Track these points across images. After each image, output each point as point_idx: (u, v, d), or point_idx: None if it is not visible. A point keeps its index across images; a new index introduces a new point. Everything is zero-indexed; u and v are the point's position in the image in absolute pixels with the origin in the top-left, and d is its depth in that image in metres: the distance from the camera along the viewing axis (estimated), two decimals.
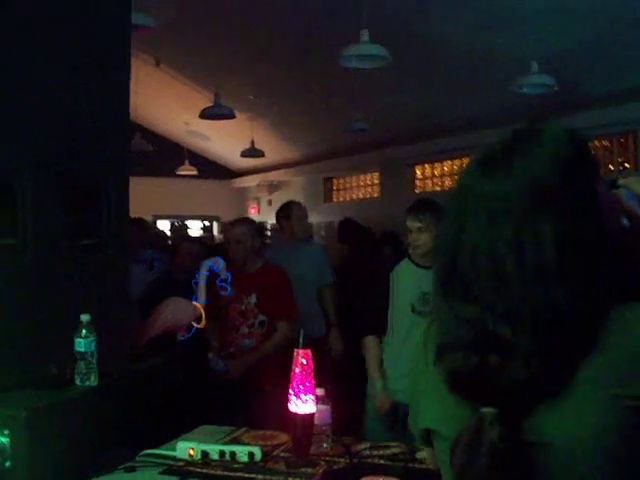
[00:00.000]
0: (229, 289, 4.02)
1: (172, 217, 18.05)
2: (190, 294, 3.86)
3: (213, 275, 4.02)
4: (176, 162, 15.87)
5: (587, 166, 1.36)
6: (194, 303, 3.78)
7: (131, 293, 6.17)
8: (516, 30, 8.43)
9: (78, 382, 3.02)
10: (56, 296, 2.99)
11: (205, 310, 3.80)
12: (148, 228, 8.08)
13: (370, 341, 4.58)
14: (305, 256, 6.52)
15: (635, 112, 9.27)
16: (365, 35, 6.77)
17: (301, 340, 2.82)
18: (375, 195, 15.16)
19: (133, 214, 12.40)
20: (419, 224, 4.37)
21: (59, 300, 2.99)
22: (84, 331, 2.98)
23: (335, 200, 16.71)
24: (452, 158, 13.15)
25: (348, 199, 16.31)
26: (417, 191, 14.10)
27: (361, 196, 15.82)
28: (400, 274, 4.50)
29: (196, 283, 3.89)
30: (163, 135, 17.31)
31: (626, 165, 10.33)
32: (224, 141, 16.09)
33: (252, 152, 13.54)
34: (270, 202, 17.94)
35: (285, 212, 6.86)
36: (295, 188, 17.22)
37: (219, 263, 4.02)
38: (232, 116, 10.34)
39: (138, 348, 3.60)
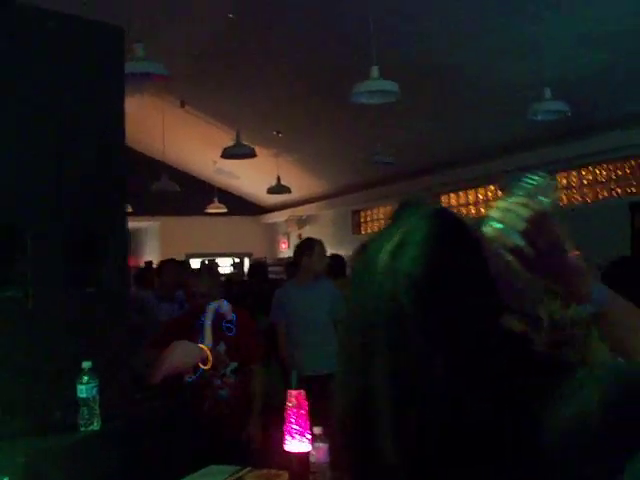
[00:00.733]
0: (234, 330, 4.09)
1: (204, 255, 18.18)
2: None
3: (219, 317, 4.10)
4: (206, 200, 16.07)
5: (458, 250, 1.27)
6: (200, 345, 3.84)
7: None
8: (530, 57, 8.50)
9: (82, 427, 3.10)
10: (57, 344, 3.07)
11: (211, 352, 3.86)
12: (181, 268, 8.10)
13: None
14: (321, 292, 6.58)
15: None
16: (375, 71, 6.87)
17: (294, 381, 2.86)
18: None
19: (166, 254, 12.54)
20: None
21: (61, 348, 3.08)
22: (85, 377, 3.06)
23: (364, 232, 16.78)
24: (476, 187, 13.18)
25: (377, 231, 16.34)
26: None
27: None
28: None
29: (202, 325, 3.96)
30: (192, 174, 17.58)
31: None
32: (251, 178, 16.28)
33: (278, 189, 13.68)
34: (300, 236, 18.04)
35: (307, 249, 6.91)
36: (324, 222, 17.34)
37: (224, 305, 4.09)
38: (253, 155, 10.48)
39: (146, 390, 3.67)
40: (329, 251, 15.85)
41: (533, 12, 7.67)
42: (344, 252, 15.93)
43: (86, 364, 3.06)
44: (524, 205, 1.42)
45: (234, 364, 4.87)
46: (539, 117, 8.31)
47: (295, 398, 2.84)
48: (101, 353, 3.18)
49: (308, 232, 17.84)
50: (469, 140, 11.33)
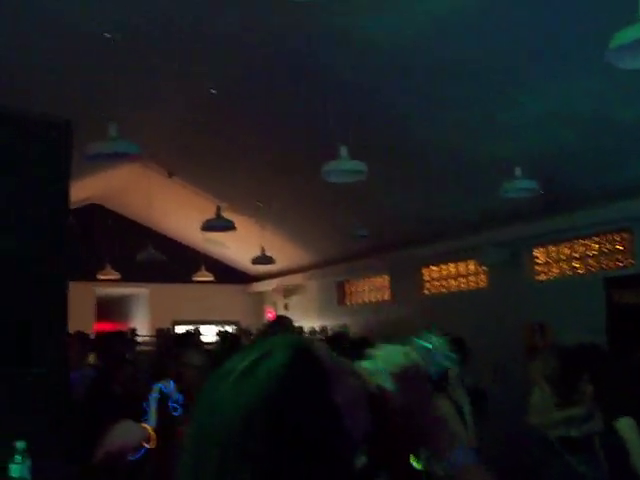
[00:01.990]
0: (179, 409, 4.16)
1: (191, 322, 18.19)
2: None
3: (164, 397, 4.17)
4: (193, 268, 16.15)
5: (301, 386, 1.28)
6: (143, 425, 3.91)
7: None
8: (500, 136, 8.71)
9: None
10: None
11: (155, 431, 3.93)
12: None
13: None
14: None
15: (625, 211, 9.42)
16: (344, 151, 7.05)
17: None
18: (386, 297, 15.31)
19: (154, 321, 12.69)
20: None
21: None
22: (19, 457, 3.14)
23: (348, 303, 16.87)
24: (456, 260, 13.32)
25: (360, 302, 16.46)
26: (426, 292, 14.23)
27: (373, 299, 15.97)
28: None
29: (147, 404, 4.04)
30: (179, 242, 17.75)
31: (620, 264, 10.45)
32: (238, 247, 16.42)
33: (263, 259, 13.80)
34: (286, 306, 18.14)
35: (276, 325, 7.00)
36: (310, 292, 17.44)
37: (169, 385, 4.17)
38: (233, 228, 10.65)
39: (85, 469, 3.73)
40: (315, 322, 16.00)
41: (502, 91, 7.88)
42: (329, 322, 16.07)
43: (20, 444, 3.13)
44: (405, 354, 1.46)
45: None
46: (510, 195, 8.50)
47: None
48: (36, 432, 3.25)
49: (294, 302, 17.95)
50: (443, 215, 11.53)
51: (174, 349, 6.94)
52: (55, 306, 3.33)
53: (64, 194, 3.49)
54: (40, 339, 3.29)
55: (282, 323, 7.03)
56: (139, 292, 18.97)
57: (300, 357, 1.31)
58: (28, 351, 3.26)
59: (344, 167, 7.04)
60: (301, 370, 1.29)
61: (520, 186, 8.24)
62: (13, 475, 3.13)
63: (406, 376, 1.44)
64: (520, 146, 8.60)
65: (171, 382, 4.21)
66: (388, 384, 1.42)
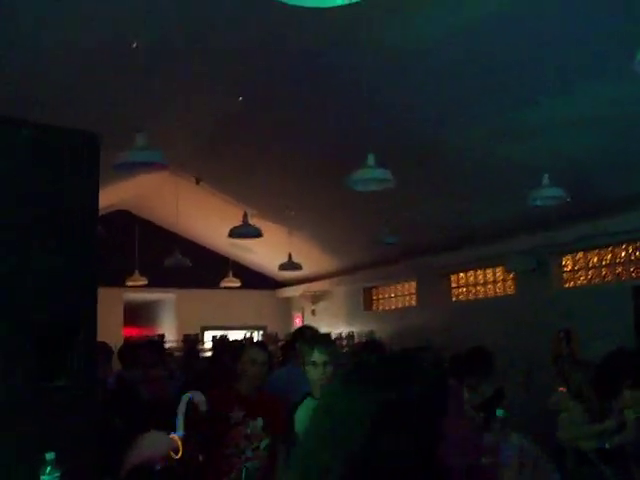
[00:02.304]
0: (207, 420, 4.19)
1: (220, 328, 18.28)
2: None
3: (192, 407, 4.19)
4: (220, 273, 16.24)
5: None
6: (171, 435, 3.94)
7: None
8: (528, 142, 8.68)
9: None
10: (22, 436, 3.21)
11: (182, 441, 3.95)
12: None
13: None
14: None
15: None
16: (371, 159, 7.03)
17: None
18: (413, 303, 15.29)
19: (182, 327, 12.96)
20: (326, 358, 4.50)
21: (26, 439, 3.21)
22: (48, 468, 3.18)
23: (375, 309, 16.87)
24: (484, 267, 13.29)
25: (387, 308, 16.46)
26: (453, 299, 14.20)
27: (400, 305, 15.96)
28: (304, 413, 4.61)
29: (175, 415, 4.06)
30: (207, 247, 17.84)
31: None
32: (265, 253, 16.49)
33: (290, 266, 13.82)
34: (314, 312, 18.18)
35: (297, 335, 7.00)
36: (337, 298, 17.47)
37: (197, 395, 4.20)
38: (260, 235, 10.69)
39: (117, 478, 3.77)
40: (342, 328, 16.01)
41: (530, 98, 7.85)
42: (356, 328, 16.09)
43: (49, 455, 3.17)
44: None
45: (267, 440, 5.04)
46: (538, 203, 8.44)
47: None
48: (65, 444, 3.29)
49: (322, 308, 17.99)
50: (470, 222, 11.51)
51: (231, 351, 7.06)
52: (85, 318, 3.37)
53: (94, 201, 3.53)
54: (69, 351, 3.33)
55: (304, 333, 7.01)
56: (166, 297, 19.09)
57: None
58: (56, 363, 3.30)
59: (370, 176, 7.03)
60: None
61: (547, 194, 8.17)
62: None
63: None
64: (548, 153, 8.55)
65: (198, 393, 4.23)
66: None
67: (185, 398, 4.22)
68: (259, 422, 5.15)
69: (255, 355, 5.23)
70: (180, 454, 4.00)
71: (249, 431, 5.13)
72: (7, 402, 3.18)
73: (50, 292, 3.28)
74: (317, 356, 4.46)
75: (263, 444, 5.13)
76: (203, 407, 4.23)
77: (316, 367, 4.51)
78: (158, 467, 4.06)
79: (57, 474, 3.21)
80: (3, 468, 3.17)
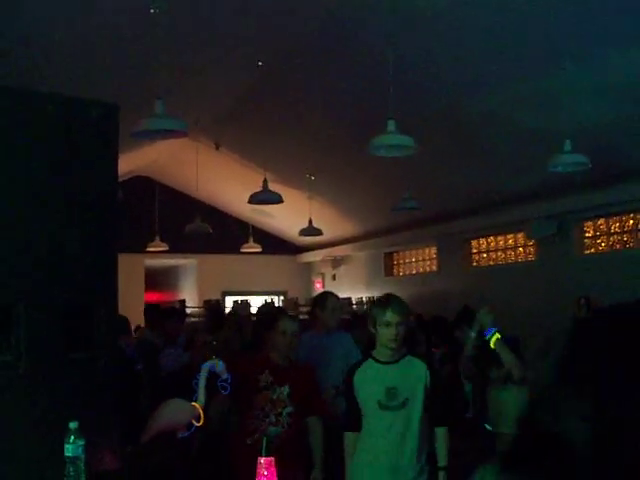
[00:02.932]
0: (229, 389, 4.22)
1: (240, 293, 18.33)
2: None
3: (213, 376, 4.24)
4: (241, 239, 16.27)
5: None
6: (193, 403, 3.98)
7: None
8: (550, 107, 8.59)
9: None
10: (47, 406, 3.27)
11: (203, 409, 4.00)
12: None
13: (348, 437, 4.77)
14: (337, 345, 6.67)
15: None
16: (392, 125, 6.99)
17: (264, 447, 2.98)
18: (434, 269, 15.28)
19: (203, 292, 13.13)
20: (400, 318, 4.52)
21: (50, 409, 3.27)
22: (72, 437, 3.22)
23: (396, 274, 16.87)
24: (505, 233, 13.24)
25: (408, 273, 16.46)
26: (474, 264, 14.18)
27: (420, 270, 15.95)
28: (363, 376, 4.67)
29: (196, 383, 4.11)
30: (227, 213, 17.86)
31: None
32: (286, 218, 16.49)
33: (310, 231, 13.80)
34: (334, 277, 18.22)
35: (321, 303, 6.99)
36: (357, 263, 17.48)
37: (219, 365, 4.23)
38: (280, 201, 10.67)
39: (139, 446, 3.83)
40: (363, 293, 16.02)
41: (553, 63, 7.75)
42: (377, 293, 16.07)
43: (72, 424, 3.22)
44: None
45: (290, 408, 5.12)
46: (559, 169, 8.36)
47: (265, 467, 2.96)
48: (89, 413, 3.34)
49: (342, 272, 18.01)
50: (491, 188, 11.44)
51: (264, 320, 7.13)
52: (105, 292, 3.40)
53: (113, 174, 3.54)
54: (90, 322, 3.37)
55: (322, 300, 6.99)
56: (187, 263, 19.19)
57: None
58: (78, 336, 3.34)
59: (391, 142, 7.00)
60: None
61: (569, 160, 8.08)
62: (68, 454, 3.22)
63: None
64: (571, 118, 8.46)
65: (220, 362, 4.27)
66: None
67: (205, 367, 4.27)
68: (285, 389, 5.22)
69: (285, 326, 5.28)
70: (202, 421, 4.06)
71: (275, 397, 5.20)
72: (32, 373, 3.24)
73: (71, 266, 3.30)
74: (390, 316, 4.47)
75: (286, 411, 5.19)
76: (224, 375, 4.28)
77: (389, 327, 4.49)
78: (180, 435, 4.12)
79: (81, 442, 3.25)
80: (29, 437, 3.23)
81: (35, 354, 3.26)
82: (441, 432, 4.62)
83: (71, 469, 3.27)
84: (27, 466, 3.22)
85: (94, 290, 3.39)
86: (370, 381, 4.65)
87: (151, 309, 9.35)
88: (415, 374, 4.59)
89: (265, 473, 2.96)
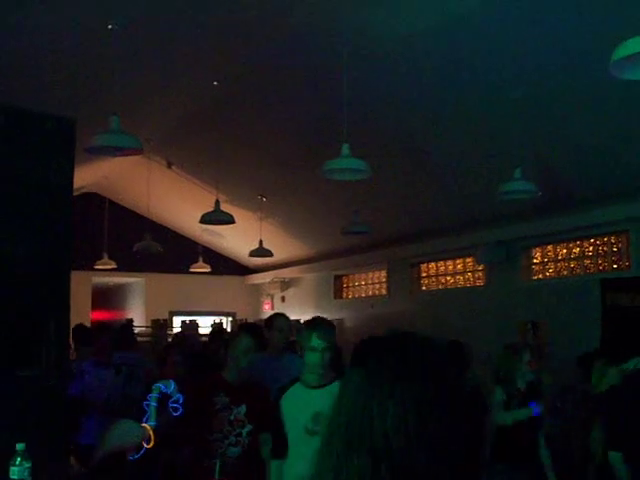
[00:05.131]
0: (180, 410, 4.17)
1: (189, 313, 18.21)
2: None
3: (165, 397, 4.18)
4: (190, 258, 16.17)
5: None
6: (143, 425, 3.92)
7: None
8: (500, 135, 8.72)
9: None
10: None
11: (154, 431, 3.94)
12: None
13: (273, 465, 4.74)
14: (286, 368, 6.64)
15: (622, 213, 9.46)
16: (346, 149, 7.02)
17: (217, 470, 2.96)
18: (383, 292, 15.33)
19: (150, 311, 12.84)
20: (325, 344, 4.48)
21: None
22: (18, 459, 3.16)
23: (345, 297, 16.90)
24: (454, 257, 13.36)
25: (357, 296, 16.49)
26: (424, 288, 14.27)
27: (370, 293, 16.00)
28: (291, 399, 4.65)
29: (147, 404, 4.04)
30: (177, 232, 17.75)
31: (616, 266, 10.48)
32: (236, 239, 16.43)
33: (261, 252, 13.75)
34: (283, 298, 18.17)
35: (269, 324, 6.97)
36: (307, 285, 17.46)
37: (170, 385, 4.18)
38: (232, 222, 10.62)
39: (87, 469, 3.75)
40: (311, 315, 15.96)
41: (504, 93, 7.86)
42: (326, 315, 16.05)
43: (19, 446, 3.15)
44: None
45: (250, 427, 5.05)
46: (509, 196, 8.47)
47: None
48: (37, 434, 3.27)
49: (291, 294, 17.98)
50: (441, 213, 11.57)
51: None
52: (56, 308, 3.35)
53: (68, 191, 3.50)
54: (41, 338, 3.31)
55: (270, 320, 6.96)
56: (135, 281, 18.99)
57: None
58: (28, 351, 3.27)
59: (345, 165, 7.03)
60: None
61: (519, 188, 8.19)
62: (13, 477, 3.15)
63: None
64: (521, 147, 8.59)
65: (171, 382, 4.21)
66: None
67: (156, 388, 4.21)
68: (242, 409, 5.17)
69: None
70: (152, 443, 3.99)
71: (232, 418, 5.15)
72: None
73: (21, 281, 3.25)
74: (316, 342, 4.43)
75: (245, 430, 5.14)
76: (175, 395, 4.22)
77: (314, 352, 4.44)
78: (130, 457, 4.05)
79: (28, 465, 3.19)
80: None
81: None
82: None
83: None
84: None
85: (45, 306, 3.33)
86: (298, 405, 4.61)
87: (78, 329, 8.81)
88: None
89: None
